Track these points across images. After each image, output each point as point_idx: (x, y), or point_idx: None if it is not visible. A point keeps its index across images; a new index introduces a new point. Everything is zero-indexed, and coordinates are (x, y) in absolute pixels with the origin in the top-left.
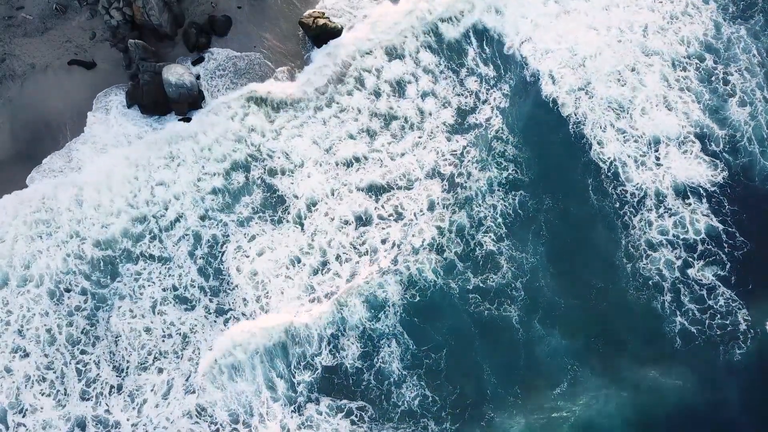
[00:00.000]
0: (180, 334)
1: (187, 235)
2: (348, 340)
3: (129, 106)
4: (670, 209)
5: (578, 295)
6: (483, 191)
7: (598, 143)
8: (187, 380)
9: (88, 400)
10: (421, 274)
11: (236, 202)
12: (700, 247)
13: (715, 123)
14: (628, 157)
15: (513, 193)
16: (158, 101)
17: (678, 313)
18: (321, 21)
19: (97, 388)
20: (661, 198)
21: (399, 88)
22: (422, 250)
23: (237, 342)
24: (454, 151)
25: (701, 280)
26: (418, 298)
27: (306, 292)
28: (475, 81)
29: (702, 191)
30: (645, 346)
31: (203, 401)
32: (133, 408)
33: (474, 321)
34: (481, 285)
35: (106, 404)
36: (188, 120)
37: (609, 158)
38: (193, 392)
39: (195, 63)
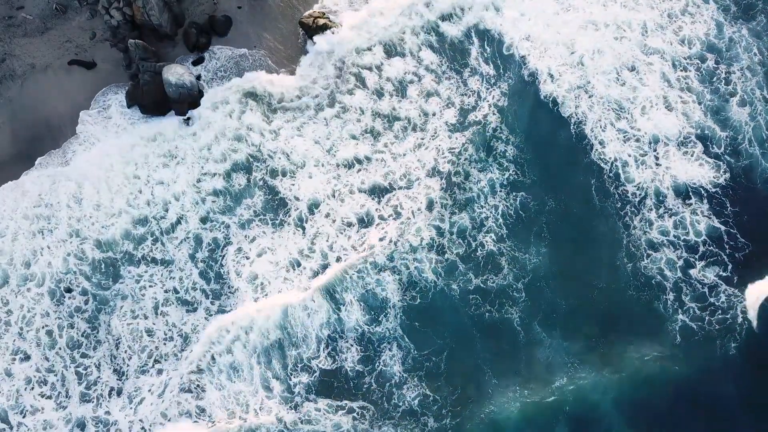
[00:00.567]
0: (181, 336)
1: (188, 238)
2: (347, 342)
3: (129, 106)
4: (671, 209)
5: (579, 295)
6: (485, 192)
7: (599, 143)
8: (182, 379)
9: (88, 402)
10: (421, 274)
11: (238, 204)
12: (701, 248)
13: (716, 124)
14: (629, 156)
15: (514, 194)
16: (158, 101)
17: (680, 311)
18: (321, 21)
19: (97, 390)
20: (661, 198)
21: (400, 86)
22: (421, 250)
23: (235, 322)
24: (454, 149)
25: (703, 279)
26: (419, 300)
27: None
28: (475, 80)
29: (703, 192)
30: (645, 343)
31: (201, 403)
32: (131, 408)
33: (475, 322)
34: (481, 286)
35: (106, 406)
36: (189, 121)
37: (610, 158)
38: (191, 391)
39: (195, 63)
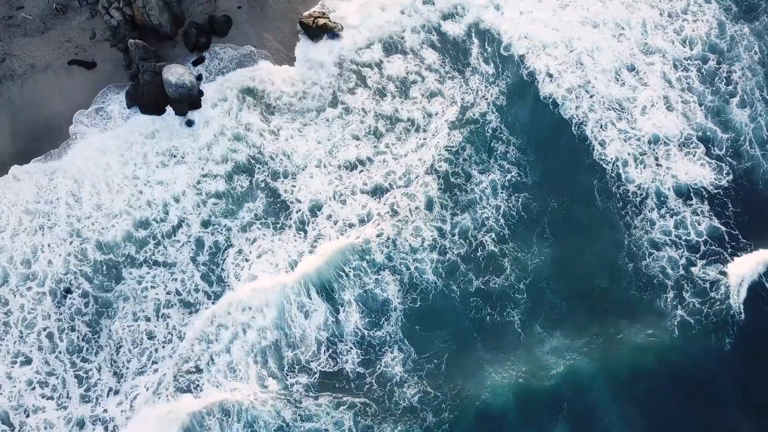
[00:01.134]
0: (180, 338)
1: (189, 241)
2: (346, 345)
3: (129, 106)
4: (673, 210)
5: (581, 294)
6: (486, 193)
7: (600, 143)
8: (177, 370)
9: (88, 402)
10: (422, 275)
11: (240, 208)
12: (702, 248)
13: (716, 126)
14: (628, 155)
15: (516, 195)
16: (158, 101)
17: (679, 307)
18: (321, 21)
19: (97, 391)
20: (663, 199)
21: (400, 84)
22: (422, 250)
23: (232, 303)
24: (452, 147)
25: (704, 276)
26: (419, 303)
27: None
28: (475, 79)
29: (704, 193)
30: (645, 337)
31: (199, 400)
32: (129, 405)
33: (476, 323)
34: (483, 287)
35: (104, 405)
36: (190, 122)
37: (611, 159)
38: (189, 391)
39: (195, 63)
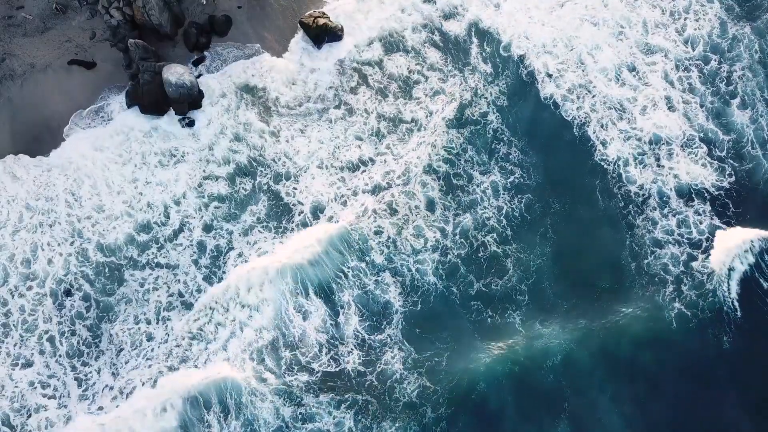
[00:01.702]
0: (178, 340)
1: (191, 245)
2: (347, 347)
3: (129, 106)
4: (674, 209)
5: (582, 291)
6: (488, 194)
7: (602, 143)
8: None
9: (85, 400)
10: (423, 277)
11: (243, 211)
12: (704, 244)
13: (718, 127)
14: (630, 155)
15: (519, 196)
16: (158, 101)
17: (677, 300)
18: (321, 21)
19: (94, 388)
20: (665, 199)
21: (402, 84)
22: (423, 251)
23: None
24: (453, 148)
25: (703, 270)
26: (420, 306)
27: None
28: (474, 78)
29: (706, 194)
30: (644, 332)
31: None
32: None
33: (476, 321)
34: (484, 289)
35: (100, 403)
36: (191, 122)
37: (613, 159)
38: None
39: (196, 63)
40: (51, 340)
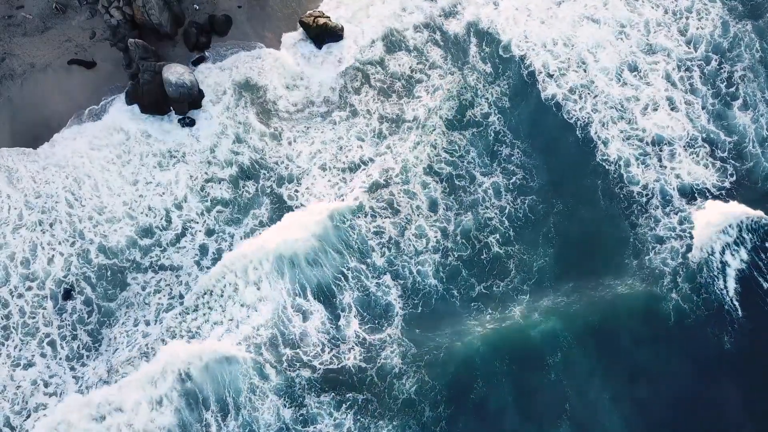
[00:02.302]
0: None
1: (193, 247)
2: (347, 345)
3: (129, 106)
4: (677, 208)
5: (582, 290)
6: (490, 195)
7: (604, 143)
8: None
9: (81, 393)
10: (424, 279)
11: (245, 215)
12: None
13: (719, 128)
14: (632, 156)
15: (522, 197)
16: (158, 101)
17: (674, 291)
18: (321, 20)
19: (88, 381)
20: (668, 198)
21: (404, 82)
22: (425, 252)
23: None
24: (455, 150)
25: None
26: (420, 309)
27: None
28: (474, 78)
29: (708, 194)
30: (643, 328)
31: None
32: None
33: (476, 320)
34: (485, 291)
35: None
36: (191, 122)
37: (615, 159)
38: (184, 381)
39: (196, 63)
40: (52, 343)
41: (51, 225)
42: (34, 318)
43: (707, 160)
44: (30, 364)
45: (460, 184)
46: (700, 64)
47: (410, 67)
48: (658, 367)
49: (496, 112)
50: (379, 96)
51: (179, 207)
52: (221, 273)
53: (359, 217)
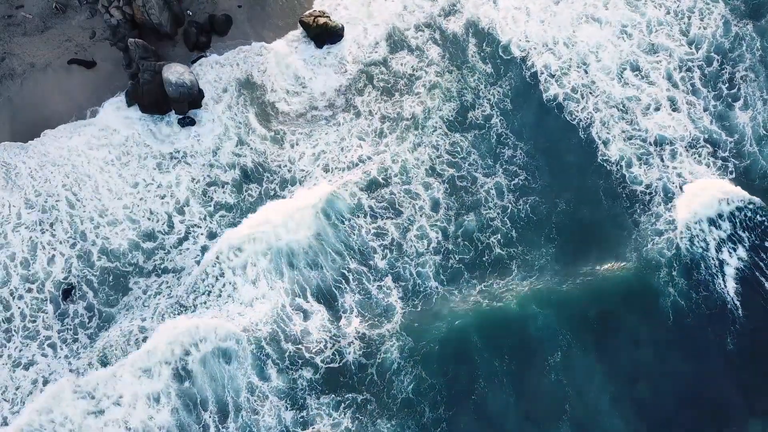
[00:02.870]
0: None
1: (195, 249)
2: (348, 342)
3: (129, 105)
4: (676, 207)
5: (583, 288)
6: (492, 196)
7: (604, 144)
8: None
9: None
10: (425, 280)
11: (245, 217)
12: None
13: (721, 128)
14: (634, 156)
15: (524, 198)
16: (158, 100)
17: (670, 284)
18: (321, 20)
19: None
20: (670, 196)
21: (405, 81)
22: (426, 253)
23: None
24: (457, 152)
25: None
26: (420, 308)
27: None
28: (476, 79)
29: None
30: (642, 325)
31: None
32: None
33: (477, 319)
34: (485, 289)
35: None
36: (192, 122)
37: (617, 159)
38: (183, 380)
39: (195, 62)
40: (53, 346)
41: (51, 225)
42: (34, 321)
43: (708, 159)
44: (31, 363)
45: (462, 185)
46: (701, 64)
47: (412, 67)
48: (658, 366)
49: (498, 114)
50: (379, 95)
51: (181, 212)
52: (212, 262)
53: (359, 216)
